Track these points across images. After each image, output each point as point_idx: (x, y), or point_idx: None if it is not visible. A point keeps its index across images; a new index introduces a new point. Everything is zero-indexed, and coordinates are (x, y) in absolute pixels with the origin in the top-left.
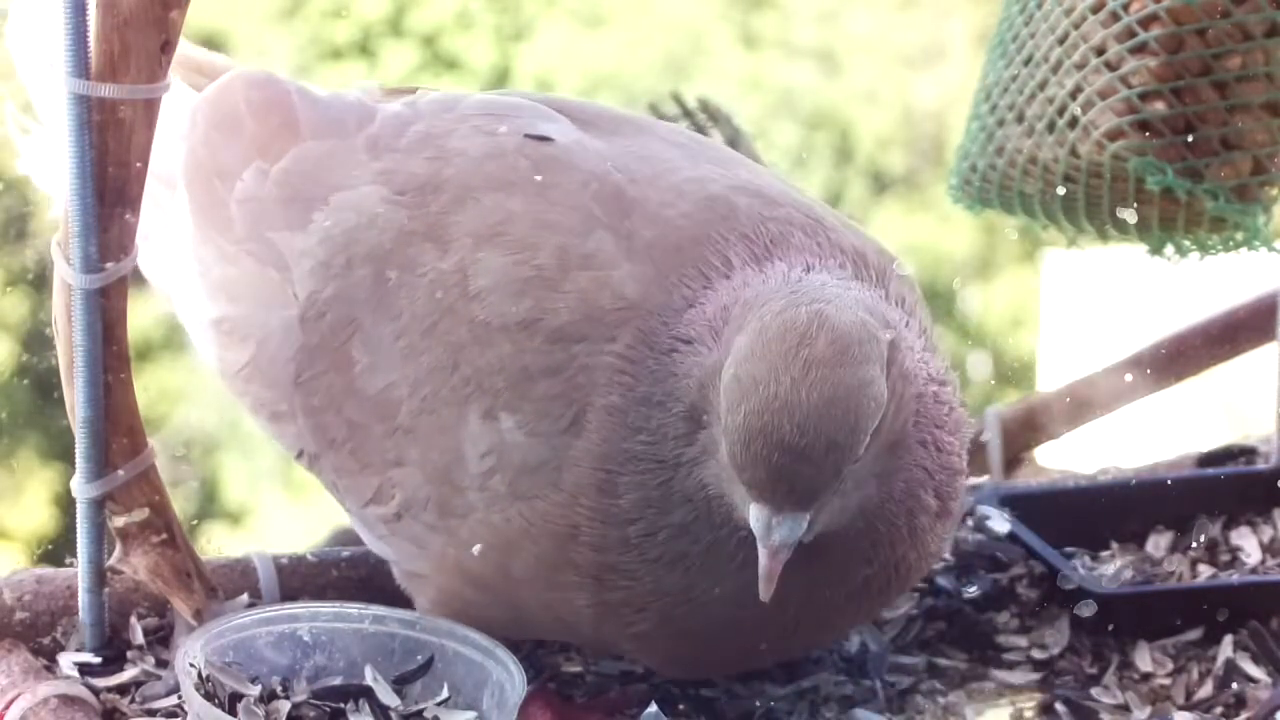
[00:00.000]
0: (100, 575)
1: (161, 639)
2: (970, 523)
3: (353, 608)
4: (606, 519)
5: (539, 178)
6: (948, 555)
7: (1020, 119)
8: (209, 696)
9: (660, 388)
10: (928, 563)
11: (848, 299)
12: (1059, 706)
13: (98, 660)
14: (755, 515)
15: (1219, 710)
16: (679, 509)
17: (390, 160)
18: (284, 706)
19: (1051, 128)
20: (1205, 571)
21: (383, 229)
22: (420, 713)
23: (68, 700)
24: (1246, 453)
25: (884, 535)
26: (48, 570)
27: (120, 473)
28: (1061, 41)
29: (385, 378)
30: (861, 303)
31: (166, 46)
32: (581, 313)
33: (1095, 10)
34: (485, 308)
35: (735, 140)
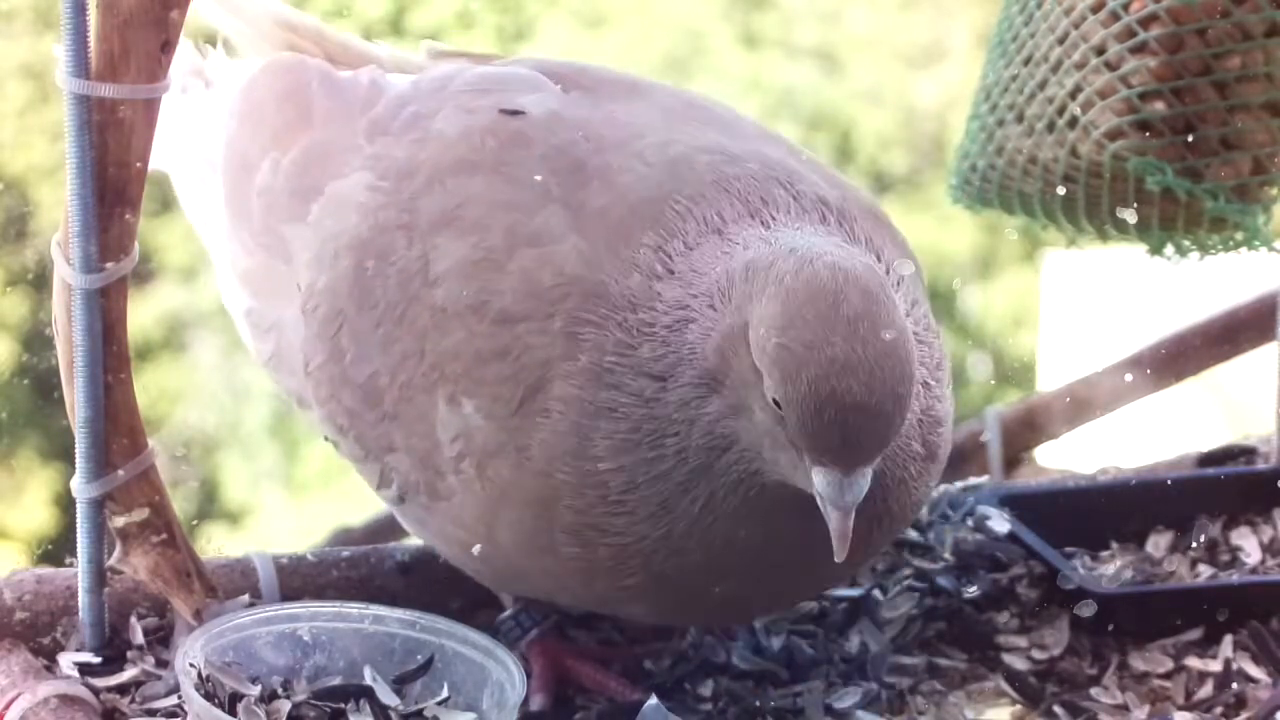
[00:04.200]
0: (100, 575)
1: (161, 639)
2: (970, 523)
3: (353, 608)
4: (586, 483)
5: (501, 157)
6: (948, 555)
7: (1020, 119)
8: (209, 696)
9: (642, 351)
10: (910, 513)
11: (848, 251)
12: (1058, 707)
13: (98, 660)
14: (824, 479)
15: (1219, 710)
16: (676, 468)
17: (381, 145)
18: (284, 706)
19: (1051, 128)
20: (1205, 571)
21: (362, 217)
22: (420, 712)
23: (68, 700)
24: (1246, 453)
25: (873, 487)
26: (48, 570)
27: (120, 473)
28: (1061, 41)
29: (370, 366)
30: (848, 249)
31: (166, 46)
32: (524, 292)
33: (1095, 10)
34: (442, 293)
35: None
